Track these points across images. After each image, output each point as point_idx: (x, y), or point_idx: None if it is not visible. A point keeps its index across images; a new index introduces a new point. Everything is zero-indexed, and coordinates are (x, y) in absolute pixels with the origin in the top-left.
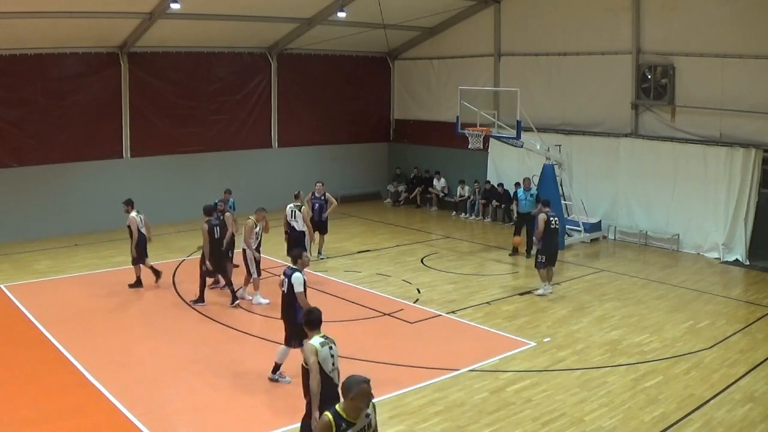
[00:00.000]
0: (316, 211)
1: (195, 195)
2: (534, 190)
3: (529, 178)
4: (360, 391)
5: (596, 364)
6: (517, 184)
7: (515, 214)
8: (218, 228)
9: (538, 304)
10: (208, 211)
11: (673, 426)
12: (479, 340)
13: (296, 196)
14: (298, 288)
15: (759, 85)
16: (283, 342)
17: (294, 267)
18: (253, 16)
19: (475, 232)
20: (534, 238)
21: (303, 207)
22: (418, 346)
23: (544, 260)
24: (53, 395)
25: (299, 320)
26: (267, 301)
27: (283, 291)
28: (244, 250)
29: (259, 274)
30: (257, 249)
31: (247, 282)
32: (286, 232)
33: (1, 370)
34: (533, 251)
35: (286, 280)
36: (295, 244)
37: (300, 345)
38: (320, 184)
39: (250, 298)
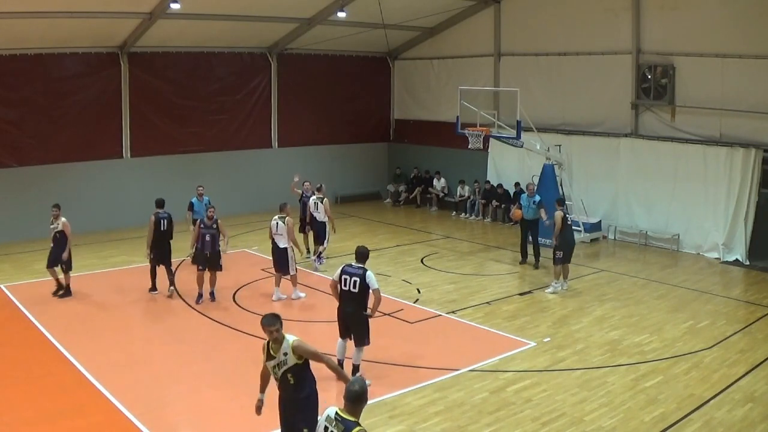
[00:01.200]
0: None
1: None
2: (537, 197)
3: (533, 185)
4: None
5: (596, 364)
6: (517, 185)
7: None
8: (165, 221)
9: (539, 304)
10: (159, 203)
11: (673, 426)
12: (479, 340)
13: (318, 189)
14: (377, 285)
15: (759, 85)
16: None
17: (362, 266)
18: (253, 16)
19: (475, 232)
20: (553, 237)
21: (325, 199)
22: (418, 346)
23: (561, 256)
24: (53, 395)
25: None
26: (305, 294)
27: (353, 291)
28: (285, 249)
29: (296, 270)
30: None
31: (278, 282)
32: (307, 223)
33: (2, 371)
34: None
35: (357, 279)
36: (318, 234)
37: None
38: (308, 183)
39: (285, 296)
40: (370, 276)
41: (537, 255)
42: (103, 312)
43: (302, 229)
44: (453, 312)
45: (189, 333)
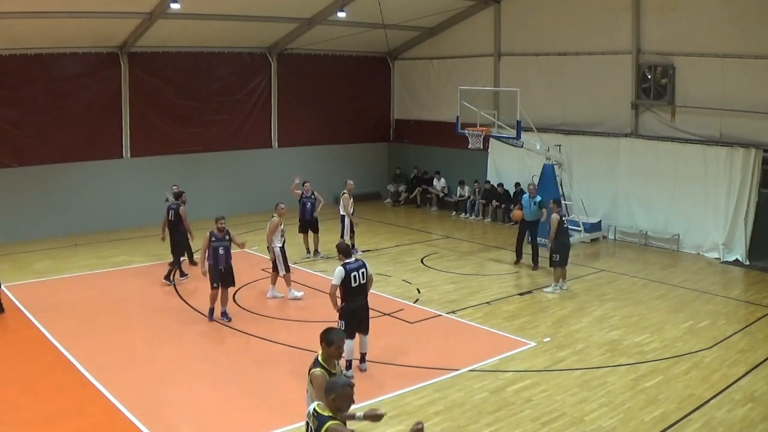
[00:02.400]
0: (308, 210)
1: (195, 195)
2: (538, 198)
3: (534, 185)
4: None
5: (596, 364)
6: (518, 185)
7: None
8: (172, 212)
9: (538, 304)
10: (174, 195)
11: (673, 426)
12: (479, 340)
13: (345, 184)
14: (370, 269)
15: (759, 85)
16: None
17: (356, 258)
18: (253, 16)
19: (475, 232)
20: (548, 239)
21: (344, 194)
22: (418, 346)
23: (558, 259)
24: (53, 395)
25: None
26: (302, 293)
27: (362, 282)
28: (269, 248)
29: (288, 270)
30: (283, 246)
31: (274, 280)
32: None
33: (2, 371)
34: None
35: (364, 270)
36: (342, 227)
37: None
38: (308, 184)
39: (281, 295)
40: (367, 263)
41: (536, 255)
42: (102, 312)
43: (301, 230)
44: (453, 312)
45: (189, 333)
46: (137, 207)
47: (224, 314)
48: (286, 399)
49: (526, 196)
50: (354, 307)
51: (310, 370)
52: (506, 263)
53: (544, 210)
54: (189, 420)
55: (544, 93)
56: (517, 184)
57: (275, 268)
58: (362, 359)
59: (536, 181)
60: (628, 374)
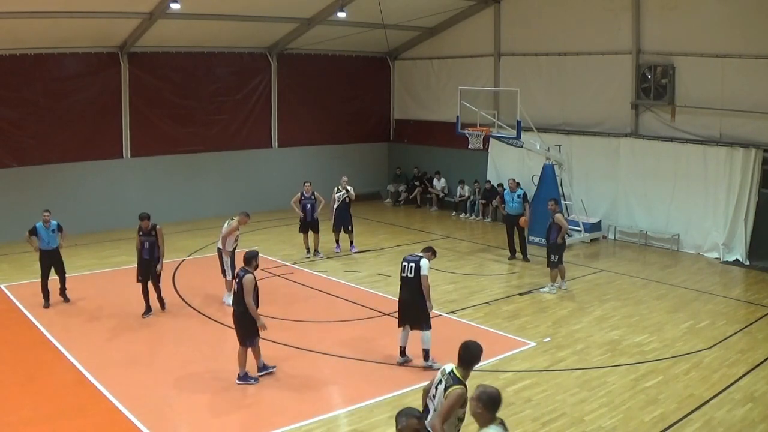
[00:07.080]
0: (308, 211)
1: (195, 195)
2: (520, 191)
3: (513, 179)
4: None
5: (596, 364)
6: (500, 185)
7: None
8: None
9: (539, 304)
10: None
11: (673, 426)
12: (479, 340)
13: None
14: (425, 272)
15: (759, 85)
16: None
17: (420, 254)
18: (253, 16)
19: (475, 232)
20: (559, 240)
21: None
22: (419, 346)
23: (557, 259)
24: (53, 395)
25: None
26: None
27: (409, 276)
28: (219, 249)
29: (233, 276)
30: (234, 251)
31: (228, 287)
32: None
33: (2, 370)
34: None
35: (413, 265)
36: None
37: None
38: (308, 184)
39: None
40: (424, 263)
41: (524, 249)
42: (103, 312)
43: (302, 230)
44: (453, 312)
45: (189, 333)
46: (137, 207)
47: None
48: (286, 399)
49: (507, 191)
50: (399, 297)
51: (447, 387)
52: (506, 263)
53: (527, 204)
54: (189, 420)
55: (544, 93)
56: (500, 185)
57: (224, 273)
58: (424, 356)
59: (536, 181)
60: (628, 374)
